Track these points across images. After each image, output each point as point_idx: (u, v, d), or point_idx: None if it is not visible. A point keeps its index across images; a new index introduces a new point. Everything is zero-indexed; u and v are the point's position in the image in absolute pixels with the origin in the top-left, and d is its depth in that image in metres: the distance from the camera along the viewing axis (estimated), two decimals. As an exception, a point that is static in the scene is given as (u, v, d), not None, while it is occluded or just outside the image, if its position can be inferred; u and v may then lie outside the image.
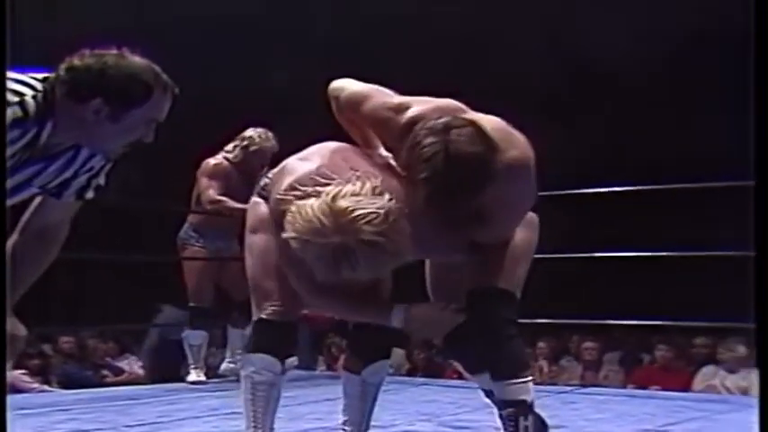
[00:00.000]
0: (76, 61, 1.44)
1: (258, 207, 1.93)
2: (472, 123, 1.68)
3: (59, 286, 7.38)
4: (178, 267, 3.91)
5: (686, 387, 4.89)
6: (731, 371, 4.88)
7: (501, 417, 1.86)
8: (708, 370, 5.01)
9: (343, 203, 1.57)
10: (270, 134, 3.85)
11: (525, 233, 1.92)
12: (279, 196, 1.76)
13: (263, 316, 1.89)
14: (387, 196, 1.61)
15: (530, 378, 1.85)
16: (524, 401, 1.82)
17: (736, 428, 2.62)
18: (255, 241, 1.91)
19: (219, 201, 3.70)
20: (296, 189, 1.70)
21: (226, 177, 3.77)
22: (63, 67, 1.44)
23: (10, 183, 1.43)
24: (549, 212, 2.03)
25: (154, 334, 5.68)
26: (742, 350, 4.88)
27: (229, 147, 3.84)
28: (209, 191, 3.72)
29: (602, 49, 6.76)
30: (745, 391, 4.71)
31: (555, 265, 3.04)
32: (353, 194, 1.59)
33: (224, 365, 3.98)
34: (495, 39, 6.96)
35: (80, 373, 5.40)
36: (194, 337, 3.88)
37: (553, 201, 2.44)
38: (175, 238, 3.94)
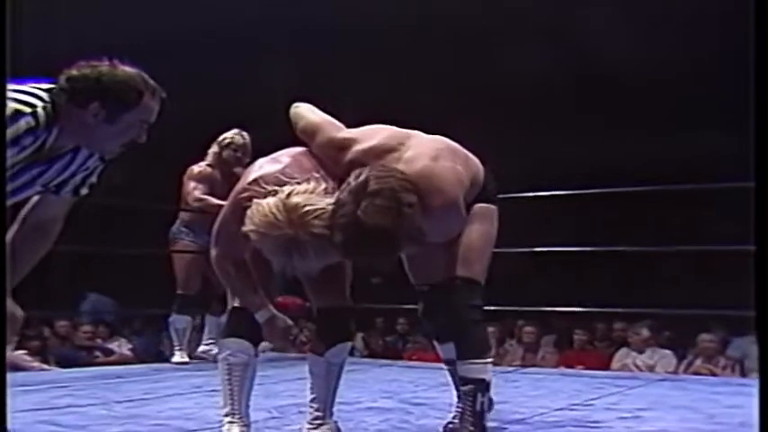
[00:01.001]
0: (74, 72, 1.48)
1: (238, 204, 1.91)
2: (394, 177, 1.66)
3: (56, 275, 7.21)
4: (168, 259, 3.87)
5: (606, 366, 5.02)
6: (640, 351, 5.07)
7: (460, 392, 1.88)
8: (623, 351, 5.18)
9: (295, 200, 1.64)
10: (243, 134, 3.86)
11: (486, 226, 1.94)
12: (242, 188, 1.79)
13: (238, 304, 1.88)
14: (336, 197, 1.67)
15: (490, 360, 1.88)
16: (483, 380, 1.85)
17: (646, 400, 2.71)
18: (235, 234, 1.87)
19: (202, 200, 3.74)
20: (259, 185, 1.73)
21: (208, 180, 3.79)
22: (63, 77, 1.48)
23: (17, 183, 1.47)
24: (506, 212, 2.05)
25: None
26: (645, 333, 5.11)
27: (209, 152, 3.85)
28: (195, 192, 3.76)
29: (602, 51, 6.59)
30: (651, 369, 4.90)
31: (503, 258, 3.06)
32: (306, 193, 1.66)
33: (200, 348, 3.95)
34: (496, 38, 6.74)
35: (75, 354, 5.34)
36: (180, 322, 3.86)
37: (508, 201, 2.47)
38: (163, 233, 3.91)
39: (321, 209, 1.63)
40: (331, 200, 1.65)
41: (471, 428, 1.83)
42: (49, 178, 1.52)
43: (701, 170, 4.49)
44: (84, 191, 1.60)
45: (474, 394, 1.83)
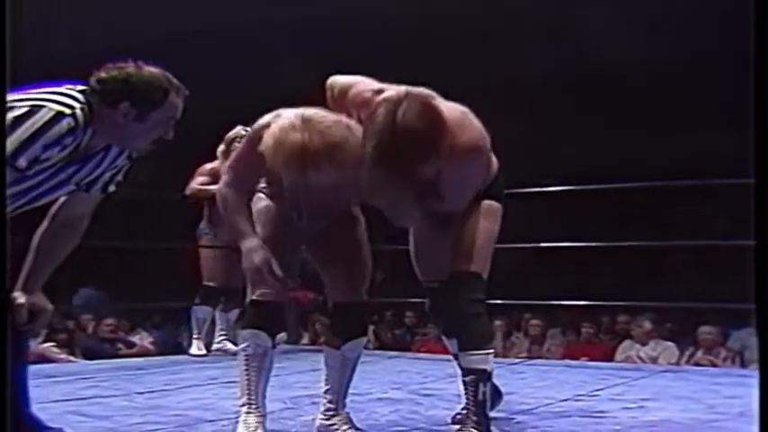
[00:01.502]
0: (103, 74, 1.51)
1: (259, 201, 1.91)
2: (426, 102, 1.66)
3: (83, 271, 7.26)
4: (194, 254, 3.90)
5: (610, 358, 5.00)
6: (643, 343, 5.03)
7: (463, 382, 1.87)
8: (626, 344, 5.16)
9: (313, 114, 1.67)
10: (248, 129, 3.82)
11: (490, 224, 1.93)
12: (262, 121, 1.78)
13: (255, 297, 1.86)
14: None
15: (491, 351, 1.86)
16: (485, 370, 1.83)
17: (649, 391, 2.69)
18: (274, 225, 1.87)
19: (195, 189, 3.76)
20: (279, 116, 1.73)
21: (213, 174, 3.75)
22: (93, 79, 1.51)
23: (55, 181, 1.51)
24: (513, 208, 2.04)
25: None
26: (648, 326, 5.08)
27: (218, 150, 3.84)
28: (192, 183, 3.80)
29: (604, 50, 6.55)
30: (654, 360, 4.87)
31: (510, 253, 3.05)
32: (323, 114, 1.68)
33: (214, 345, 3.96)
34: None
35: (99, 346, 5.37)
36: (201, 312, 3.87)
37: (515, 197, 2.47)
38: (181, 228, 3.95)
39: (337, 120, 1.66)
40: (347, 122, 1.67)
41: (474, 417, 1.82)
42: (82, 176, 1.55)
43: (700, 168, 4.46)
44: (111, 188, 1.63)
45: (476, 384, 1.83)
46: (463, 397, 1.87)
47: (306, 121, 1.63)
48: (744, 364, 4.79)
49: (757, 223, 1.00)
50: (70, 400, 2.46)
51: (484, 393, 1.83)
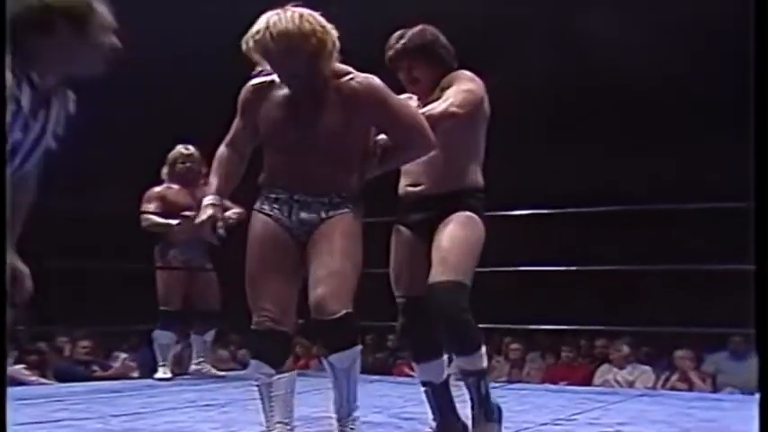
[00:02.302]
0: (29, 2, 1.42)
1: (256, 218, 1.89)
2: None
3: (55, 292, 7.12)
4: (152, 276, 3.81)
5: (588, 382, 5.01)
6: (620, 367, 5.07)
7: (465, 383, 2.00)
8: (604, 367, 5.19)
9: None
10: (188, 146, 3.82)
11: (467, 232, 1.97)
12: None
13: (254, 326, 1.83)
14: None
15: (483, 350, 1.98)
16: (483, 369, 1.99)
17: (626, 415, 2.70)
18: (252, 250, 1.85)
19: (147, 220, 3.71)
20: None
21: (158, 198, 3.75)
22: (21, 8, 1.42)
23: (32, 134, 1.44)
24: (492, 230, 2.06)
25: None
26: (625, 350, 5.14)
27: (162, 172, 3.84)
28: (142, 214, 3.74)
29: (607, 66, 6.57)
30: (631, 384, 4.90)
31: (491, 278, 3.06)
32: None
33: (192, 367, 3.89)
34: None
35: (72, 368, 5.24)
36: (162, 338, 3.77)
37: (496, 219, 2.49)
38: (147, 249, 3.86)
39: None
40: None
41: (483, 410, 1.99)
42: (51, 123, 1.47)
43: (678, 190, 4.52)
44: (53, 143, 1.53)
45: (478, 382, 1.98)
46: (465, 396, 2.00)
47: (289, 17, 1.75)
48: (716, 388, 4.83)
49: (757, 246, 1.01)
50: (41, 422, 2.39)
51: (486, 387, 2.01)
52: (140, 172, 4.03)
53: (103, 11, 1.47)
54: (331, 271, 1.77)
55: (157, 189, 3.79)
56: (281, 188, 1.85)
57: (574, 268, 4.38)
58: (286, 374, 1.84)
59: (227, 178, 1.92)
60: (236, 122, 1.93)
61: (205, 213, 1.86)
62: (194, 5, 6.86)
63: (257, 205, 1.90)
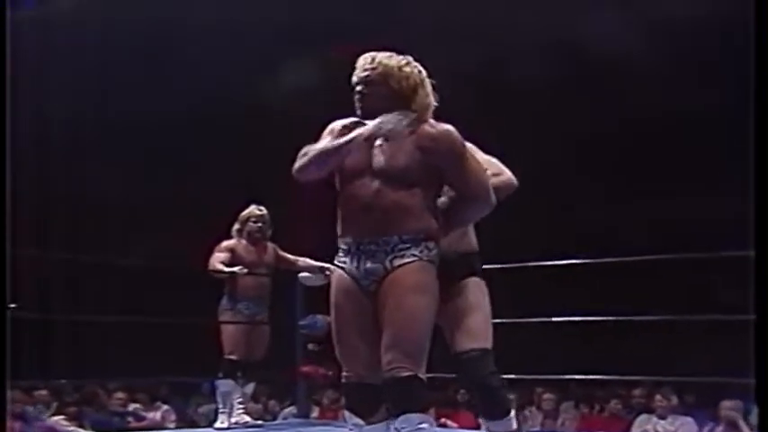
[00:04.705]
0: None
1: (335, 272, 1.92)
2: None
3: (91, 346, 7.26)
4: (216, 330, 3.91)
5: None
6: (661, 417, 4.94)
7: None
8: (643, 417, 5.05)
9: None
10: (261, 207, 3.97)
11: (481, 298, 2.08)
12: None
13: (343, 380, 1.90)
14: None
15: (513, 413, 2.07)
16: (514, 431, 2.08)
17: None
18: (333, 305, 1.90)
19: (215, 268, 3.80)
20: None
21: (230, 250, 3.87)
22: None
23: None
24: (523, 280, 2.14)
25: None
26: (674, 399, 5.00)
27: (233, 229, 3.96)
28: (212, 260, 3.85)
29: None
30: (671, 435, 4.75)
31: (519, 328, 3.07)
32: None
33: (233, 419, 3.90)
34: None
35: (108, 419, 5.33)
36: (224, 385, 3.84)
37: (525, 270, 2.55)
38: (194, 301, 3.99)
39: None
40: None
41: None
42: None
43: (711, 237, 4.46)
44: None
45: None
46: None
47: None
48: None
49: (757, 293, 1.03)
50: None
51: None
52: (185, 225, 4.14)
53: None
54: (397, 337, 1.77)
55: (226, 242, 3.92)
56: (350, 235, 1.87)
57: (608, 318, 4.32)
58: (377, 425, 1.87)
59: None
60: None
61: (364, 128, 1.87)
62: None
63: (336, 258, 1.94)
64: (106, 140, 7.65)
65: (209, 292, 4.02)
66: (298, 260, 3.89)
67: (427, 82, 1.89)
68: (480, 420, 2.20)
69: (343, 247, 1.90)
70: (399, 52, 1.90)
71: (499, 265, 2.25)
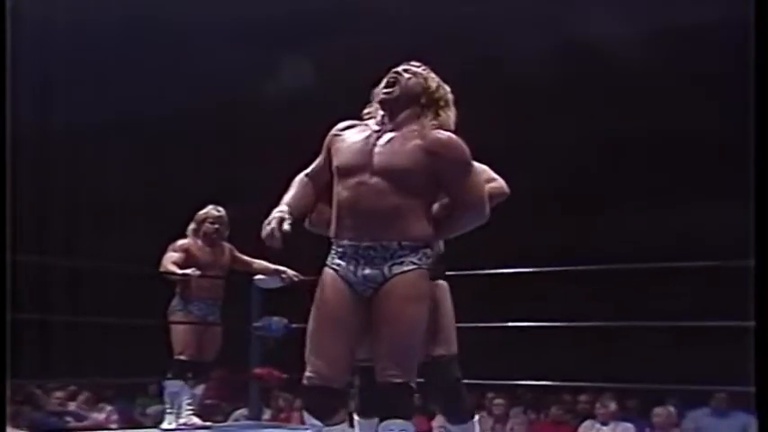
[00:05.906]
0: None
1: (326, 273, 1.88)
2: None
3: (31, 344, 6.99)
4: (166, 330, 3.82)
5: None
6: (604, 423, 5.08)
7: None
8: (587, 423, 5.17)
9: None
10: (219, 207, 3.89)
11: (449, 304, 2.11)
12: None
13: (304, 380, 1.84)
14: None
15: (477, 417, 2.16)
16: None
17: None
18: (317, 304, 1.86)
19: (167, 271, 3.71)
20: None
21: (184, 250, 3.77)
22: None
23: None
24: (475, 287, 2.16)
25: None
26: (613, 406, 5.14)
27: (188, 228, 3.86)
28: (164, 260, 3.75)
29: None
30: (614, 440, 4.88)
31: (475, 333, 3.10)
32: None
33: (180, 419, 3.81)
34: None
35: (46, 419, 5.17)
36: (173, 386, 3.75)
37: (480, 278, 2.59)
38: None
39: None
40: None
41: None
42: None
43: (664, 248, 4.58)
44: None
45: None
46: None
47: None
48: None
49: (757, 301, 1.06)
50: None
51: None
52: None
53: None
54: (396, 346, 1.77)
55: (181, 241, 3.82)
56: (347, 238, 1.83)
57: (557, 324, 4.41)
58: (334, 427, 1.83)
59: (299, 198, 1.91)
60: (317, 159, 1.97)
61: (272, 215, 1.82)
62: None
63: (328, 259, 1.89)
64: (106, 140, 7.45)
65: (163, 292, 3.92)
66: (254, 262, 3.81)
67: (451, 100, 1.90)
68: (437, 423, 2.24)
69: (338, 249, 1.85)
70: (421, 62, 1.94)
71: (455, 272, 2.24)
